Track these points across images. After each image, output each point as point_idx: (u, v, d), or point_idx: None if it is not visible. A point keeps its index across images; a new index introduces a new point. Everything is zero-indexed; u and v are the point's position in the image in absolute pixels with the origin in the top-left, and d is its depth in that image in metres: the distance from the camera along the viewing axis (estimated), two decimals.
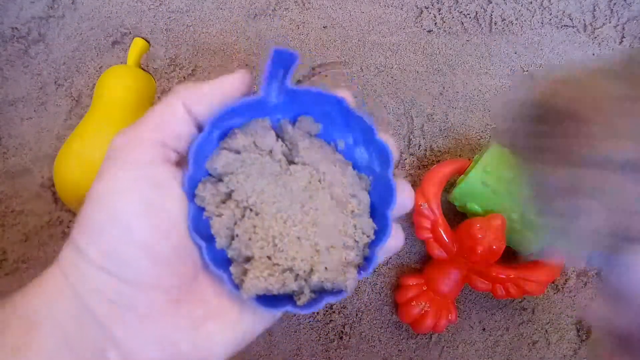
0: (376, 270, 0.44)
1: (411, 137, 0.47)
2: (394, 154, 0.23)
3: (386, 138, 0.23)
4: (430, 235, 0.41)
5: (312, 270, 0.22)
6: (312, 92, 0.23)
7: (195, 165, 0.22)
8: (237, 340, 0.22)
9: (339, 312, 0.43)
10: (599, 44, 0.50)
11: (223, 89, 0.22)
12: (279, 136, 0.24)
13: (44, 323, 0.20)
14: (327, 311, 0.43)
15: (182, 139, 0.22)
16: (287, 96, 0.23)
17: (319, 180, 0.24)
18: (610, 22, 0.51)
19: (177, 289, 0.21)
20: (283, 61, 0.22)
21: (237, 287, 0.22)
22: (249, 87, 0.23)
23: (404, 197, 0.23)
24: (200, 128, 0.22)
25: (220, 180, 0.23)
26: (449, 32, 0.51)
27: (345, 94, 0.23)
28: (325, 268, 0.22)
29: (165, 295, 0.21)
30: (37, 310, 0.20)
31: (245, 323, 0.23)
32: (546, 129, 0.21)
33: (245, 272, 0.22)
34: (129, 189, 0.20)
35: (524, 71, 0.49)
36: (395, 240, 0.23)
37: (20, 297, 0.20)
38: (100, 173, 0.21)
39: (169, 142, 0.21)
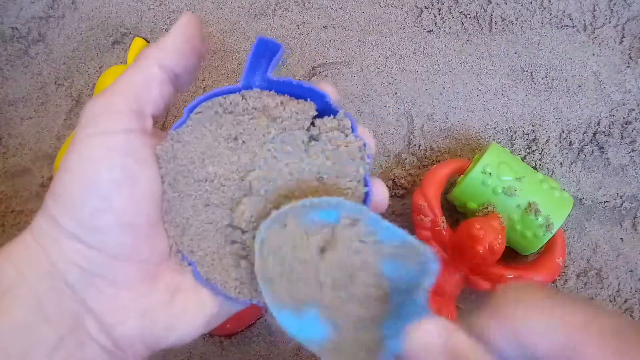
0: None
1: (411, 137, 0.47)
2: (371, 150, 0.23)
3: (365, 134, 0.23)
4: (430, 235, 0.41)
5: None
6: (294, 83, 0.22)
7: None
8: (212, 315, 0.22)
9: None
10: (599, 44, 0.50)
11: (182, 36, 0.22)
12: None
13: (16, 289, 0.19)
14: None
15: (161, 101, 0.22)
16: (268, 87, 0.23)
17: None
18: (610, 22, 0.51)
19: (153, 263, 0.21)
20: (266, 51, 0.22)
21: (201, 277, 0.22)
22: (199, 28, 0.22)
23: (379, 194, 0.23)
24: (177, 78, 0.22)
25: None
26: (449, 32, 0.51)
27: (328, 89, 0.23)
28: None
29: (141, 268, 0.21)
30: (10, 275, 0.19)
31: (220, 299, 0.22)
32: None
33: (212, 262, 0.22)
34: (105, 158, 0.20)
35: (523, 71, 0.49)
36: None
37: None
38: (75, 142, 0.20)
39: (147, 108, 0.21)
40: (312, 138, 0.22)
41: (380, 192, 0.23)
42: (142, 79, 0.21)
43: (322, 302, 0.21)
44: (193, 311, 0.22)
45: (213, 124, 0.22)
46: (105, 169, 0.20)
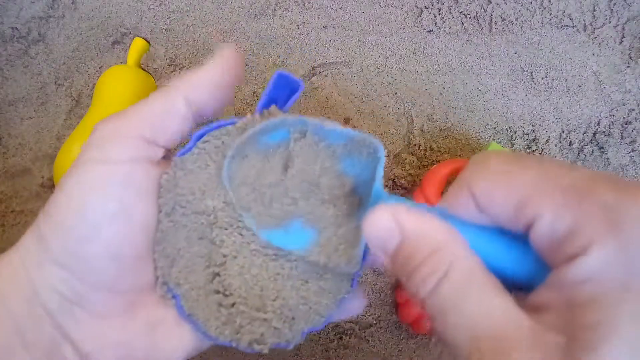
0: (376, 270, 0.44)
1: (411, 137, 0.47)
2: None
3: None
4: None
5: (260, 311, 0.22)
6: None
7: None
8: (192, 349, 0.22)
9: None
10: (599, 44, 0.50)
11: (218, 70, 0.21)
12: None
13: None
14: None
15: (177, 135, 0.21)
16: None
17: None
18: (610, 22, 0.51)
19: (133, 293, 0.21)
20: (285, 87, 0.21)
21: (184, 312, 0.21)
22: (241, 66, 0.22)
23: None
24: (201, 115, 0.21)
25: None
26: (449, 32, 0.51)
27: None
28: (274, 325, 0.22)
29: (122, 299, 0.20)
30: None
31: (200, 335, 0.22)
32: None
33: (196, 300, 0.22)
34: (102, 188, 0.19)
35: (523, 71, 0.49)
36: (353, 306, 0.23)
37: None
38: (77, 162, 0.20)
39: (160, 139, 0.20)
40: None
41: None
42: (163, 109, 0.20)
43: (299, 213, 0.22)
44: (173, 345, 0.21)
45: (218, 155, 0.22)
46: (100, 200, 0.19)
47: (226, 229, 0.22)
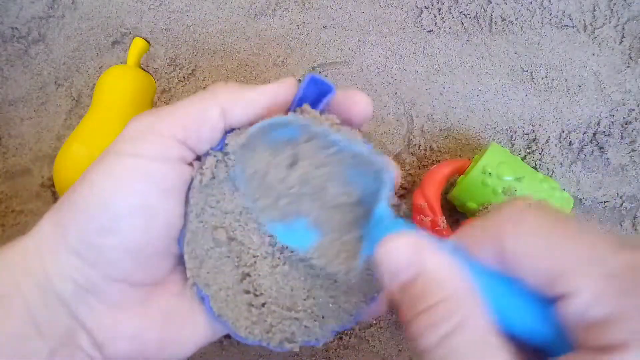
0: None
1: (411, 137, 0.47)
2: (397, 179, 0.23)
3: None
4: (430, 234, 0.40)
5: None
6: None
7: None
8: (207, 335, 0.22)
9: None
10: (599, 44, 0.50)
11: (267, 98, 0.21)
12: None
13: (11, 299, 0.19)
14: None
15: (207, 143, 0.21)
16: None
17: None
18: (610, 22, 0.51)
19: (149, 285, 0.21)
20: (317, 90, 0.21)
21: (214, 313, 0.21)
22: (292, 96, 0.21)
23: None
24: (230, 130, 0.21)
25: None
26: (449, 32, 0.51)
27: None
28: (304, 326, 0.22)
29: (136, 290, 0.20)
30: (5, 283, 0.19)
31: (214, 325, 0.22)
32: None
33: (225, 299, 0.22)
34: (129, 182, 0.19)
35: (523, 71, 0.49)
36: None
37: None
38: (106, 153, 0.20)
39: (191, 142, 0.20)
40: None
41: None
42: (198, 114, 0.20)
43: (305, 212, 0.22)
44: (186, 336, 0.21)
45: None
46: (124, 193, 0.19)
47: (256, 229, 0.22)
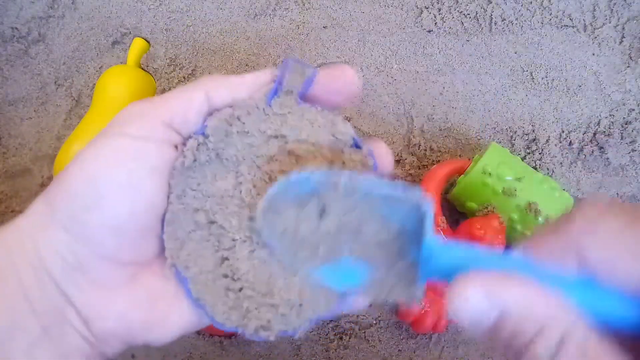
0: None
1: (411, 137, 0.47)
2: (389, 168, 0.23)
3: (382, 152, 0.23)
4: None
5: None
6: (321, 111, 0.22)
7: None
8: (192, 321, 0.22)
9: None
10: (599, 44, 0.50)
11: (249, 81, 0.22)
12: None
13: (4, 276, 0.19)
14: None
15: (193, 126, 0.21)
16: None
17: None
18: (610, 22, 0.51)
19: (135, 265, 0.21)
20: (297, 75, 0.21)
21: (192, 296, 0.21)
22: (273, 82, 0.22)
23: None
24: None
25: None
26: (449, 32, 0.51)
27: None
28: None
29: (122, 269, 0.21)
30: (1, 262, 0.19)
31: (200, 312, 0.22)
32: None
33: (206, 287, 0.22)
34: (115, 159, 0.20)
35: (523, 71, 0.49)
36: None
37: None
38: (97, 136, 0.21)
39: (177, 124, 0.21)
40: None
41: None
42: (186, 98, 0.21)
43: (348, 253, 0.21)
44: (171, 320, 0.22)
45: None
46: (111, 170, 0.20)
47: (236, 213, 0.22)
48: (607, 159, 0.46)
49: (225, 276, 0.22)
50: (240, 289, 0.22)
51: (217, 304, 0.21)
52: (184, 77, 0.49)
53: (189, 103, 0.21)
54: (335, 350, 0.42)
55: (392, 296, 0.21)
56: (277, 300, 0.21)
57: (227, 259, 0.22)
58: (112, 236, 0.20)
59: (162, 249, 0.22)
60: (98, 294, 0.20)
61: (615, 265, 0.15)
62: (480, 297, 0.16)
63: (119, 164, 0.20)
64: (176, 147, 0.21)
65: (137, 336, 0.21)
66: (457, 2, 0.52)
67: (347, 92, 0.22)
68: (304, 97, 0.22)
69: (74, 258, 0.20)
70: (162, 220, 0.21)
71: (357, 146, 0.22)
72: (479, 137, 0.47)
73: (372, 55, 0.50)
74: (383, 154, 0.23)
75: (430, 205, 0.20)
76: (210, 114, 0.22)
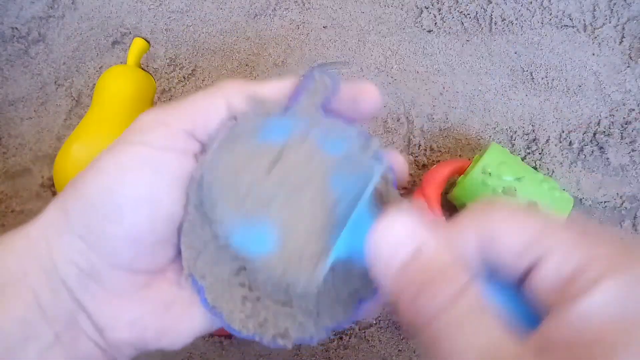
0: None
1: (411, 137, 0.47)
2: (403, 174, 0.22)
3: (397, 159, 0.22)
4: None
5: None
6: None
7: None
8: (205, 325, 0.22)
9: None
10: (599, 44, 0.50)
11: (272, 92, 0.21)
12: None
13: (17, 283, 0.19)
14: None
15: (211, 133, 0.21)
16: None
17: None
18: (610, 22, 0.51)
19: (150, 273, 0.21)
20: (321, 85, 0.21)
21: (208, 304, 0.21)
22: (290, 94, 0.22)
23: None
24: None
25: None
26: (449, 32, 0.51)
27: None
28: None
29: (137, 277, 0.21)
30: (12, 269, 0.19)
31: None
32: None
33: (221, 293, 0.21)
34: (135, 171, 0.19)
35: (523, 71, 0.49)
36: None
37: None
38: (115, 143, 0.20)
39: (198, 134, 0.20)
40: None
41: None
42: (205, 105, 0.20)
43: (271, 215, 0.21)
44: (185, 325, 0.21)
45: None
46: (130, 182, 0.19)
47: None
48: (607, 159, 0.46)
49: (242, 285, 0.22)
50: (258, 298, 0.21)
51: (234, 312, 0.21)
52: (184, 77, 0.49)
53: (209, 111, 0.20)
54: (335, 350, 0.42)
55: (292, 275, 0.20)
56: (295, 310, 0.21)
57: (244, 268, 0.22)
58: (129, 247, 0.20)
59: (176, 255, 0.22)
60: (112, 302, 0.20)
61: (502, 233, 0.16)
62: (406, 228, 0.16)
63: (139, 175, 0.19)
64: (195, 156, 0.21)
65: (151, 343, 0.21)
66: (457, 2, 0.52)
67: (368, 111, 0.22)
68: (325, 109, 0.22)
69: (89, 266, 0.19)
70: (179, 230, 0.21)
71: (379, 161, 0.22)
72: (479, 137, 0.47)
73: (372, 55, 0.50)
74: (400, 166, 0.22)
75: (381, 169, 0.19)
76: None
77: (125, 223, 0.19)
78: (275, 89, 0.21)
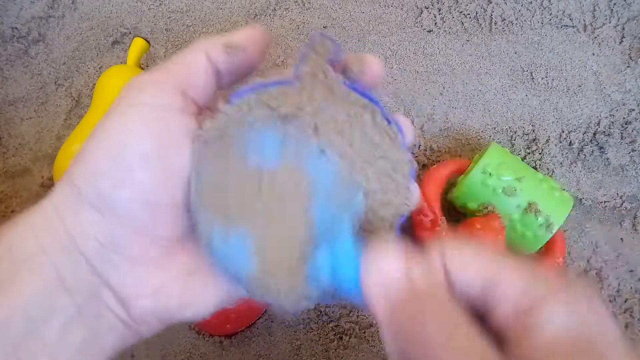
0: None
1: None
2: (409, 137, 0.23)
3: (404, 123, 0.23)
4: (430, 235, 0.41)
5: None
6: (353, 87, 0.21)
7: None
8: (227, 295, 0.22)
9: (339, 312, 0.43)
10: (599, 44, 0.50)
11: (241, 40, 0.22)
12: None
13: (37, 258, 0.19)
14: (327, 311, 0.43)
15: (203, 90, 0.21)
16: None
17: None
18: (610, 22, 0.51)
19: (169, 240, 0.21)
20: (323, 49, 0.21)
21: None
22: (264, 38, 0.22)
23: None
24: (219, 74, 0.21)
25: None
26: (449, 32, 0.51)
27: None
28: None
29: (157, 245, 0.20)
30: (30, 244, 0.19)
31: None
32: None
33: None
34: (138, 129, 0.19)
35: (523, 71, 0.49)
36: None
37: (11, 231, 0.19)
38: (111, 110, 0.20)
39: (190, 91, 0.21)
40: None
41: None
42: (190, 61, 0.21)
43: (251, 220, 0.20)
44: (208, 292, 0.21)
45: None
46: (135, 140, 0.19)
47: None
48: (607, 159, 0.46)
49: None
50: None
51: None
52: None
53: (191, 64, 0.21)
54: (335, 350, 0.42)
55: (272, 286, 0.20)
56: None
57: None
58: (143, 210, 0.19)
59: (194, 225, 0.21)
60: (134, 272, 0.20)
61: (467, 270, 0.17)
62: (396, 266, 0.17)
63: (144, 133, 0.19)
64: (194, 116, 0.21)
65: (175, 313, 0.21)
66: (457, 2, 0.52)
67: (373, 79, 0.22)
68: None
69: (108, 237, 0.19)
70: (189, 195, 0.21)
71: (387, 121, 0.22)
72: (479, 137, 0.47)
73: (372, 55, 0.50)
74: (407, 128, 0.23)
75: (360, 202, 0.20)
76: (216, 75, 0.21)
77: (136, 183, 0.19)
78: (246, 35, 0.22)
